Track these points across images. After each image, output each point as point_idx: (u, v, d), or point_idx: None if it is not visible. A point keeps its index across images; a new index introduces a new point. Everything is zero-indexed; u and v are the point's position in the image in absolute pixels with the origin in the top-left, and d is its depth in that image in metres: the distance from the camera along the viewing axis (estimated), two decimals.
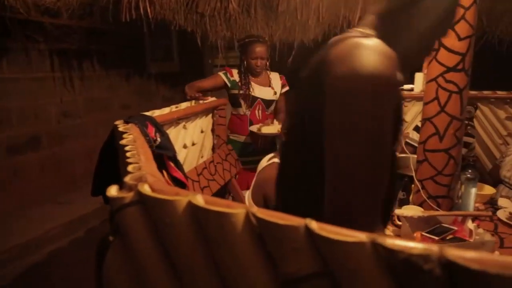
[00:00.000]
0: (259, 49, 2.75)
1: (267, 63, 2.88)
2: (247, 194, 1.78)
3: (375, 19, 0.81)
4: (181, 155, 2.20)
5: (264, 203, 1.66)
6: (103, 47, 4.25)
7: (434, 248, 0.43)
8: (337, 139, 0.66)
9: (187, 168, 2.21)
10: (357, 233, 0.48)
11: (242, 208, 0.56)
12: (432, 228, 1.70)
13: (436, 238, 1.62)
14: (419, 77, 2.28)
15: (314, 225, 0.51)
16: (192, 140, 2.31)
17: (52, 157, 3.80)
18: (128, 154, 0.98)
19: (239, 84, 2.78)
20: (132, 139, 1.19)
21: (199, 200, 0.58)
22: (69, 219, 3.34)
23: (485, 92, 3.11)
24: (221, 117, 2.59)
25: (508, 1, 3.27)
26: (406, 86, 2.44)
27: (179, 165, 1.80)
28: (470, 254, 0.43)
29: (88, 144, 4.06)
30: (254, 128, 2.71)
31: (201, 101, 2.44)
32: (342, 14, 3.44)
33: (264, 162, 1.79)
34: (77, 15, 3.52)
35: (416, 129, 2.77)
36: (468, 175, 1.87)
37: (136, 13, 2.71)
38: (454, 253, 0.42)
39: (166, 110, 2.03)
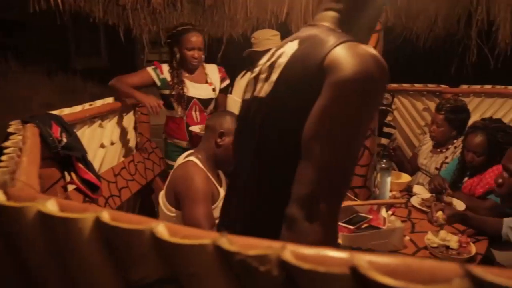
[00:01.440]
0: (196, 38, 2.38)
1: (203, 56, 2.52)
2: (161, 193, 1.72)
3: (338, 15, 0.87)
4: (98, 155, 2.09)
5: (176, 201, 1.61)
6: (20, 41, 3.95)
7: (271, 249, 0.41)
8: (336, 134, 0.72)
9: (106, 168, 2.10)
10: (200, 235, 0.45)
11: (91, 212, 0.52)
12: (349, 218, 1.75)
13: (352, 227, 1.66)
14: None
15: (159, 228, 0.47)
16: (111, 139, 2.21)
17: None
18: (3, 158, 0.89)
19: (171, 83, 2.40)
20: (20, 141, 1.09)
21: (50, 207, 0.53)
22: None
23: (404, 85, 3.27)
24: (144, 114, 2.48)
25: (424, 0, 3.46)
26: None
27: (89, 166, 1.70)
28: (306, 252, 0.42)
29: None
30: (196, 128, 2.39)
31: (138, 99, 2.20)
32: (269, 8, 3.45)
33: (181, 159, 1.73)
34: None
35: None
36: (383, 165, 1.95)
37: (47, 4, 2.51)
38: (290, 253, 0.40)
39: (78, 108, 1.90)
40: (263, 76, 0.90)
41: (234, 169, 1.02)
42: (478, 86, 3.01)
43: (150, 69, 2.41)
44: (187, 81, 2.43)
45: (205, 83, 2.51)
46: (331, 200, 0.74)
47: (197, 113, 2.47)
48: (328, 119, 0.71)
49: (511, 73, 3.15)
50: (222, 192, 1.72)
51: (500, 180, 1.32)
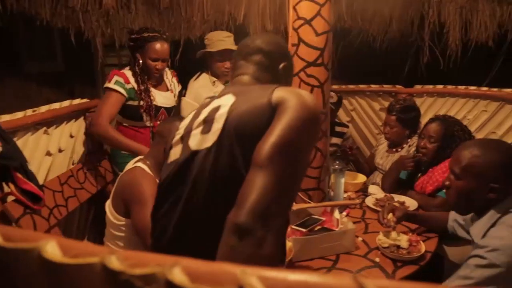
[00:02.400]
0: (162, 48, 2.19)
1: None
2: (108, 202, 1.65)
3: (257, 70, 1.13)
4: (44, 164, 1.99)
5: (124, 209, 1.55)
6: None
7: (158, 268, 0.38)
8: (287, 155, 0.85)
9: (53, 177, 2.01)
10: (89, 254, 0.41)
11: None
12: (303, 221, 1.74)
13: (304, 230, 1.65)
14: None
15: (48, 247, 0.43)
16: (59, 146, 2.11)
17: None
18: None
19: (138, 92, 2.20)
20: None
21: None
22: None
23: (361, 86, 3.32)
24: None
25: (378, 2, 3.53)
26: None
27: (30, 176, 1.61)
28: (201, 268, 0.39)
29: None
30: None
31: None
32: (227, 10, 3.43)
33: (130, 165, 1.67)
34: None
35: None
36: (337, 166, 1.95)
37: None
38: (180, 271, 0.37)
39: (18, 115, 1.81)
40: (197, 131, 1.01)
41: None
42: (431, 86, 3.09)
43: (115, 86, 2.16)
44: (153, 90, 2.29)
45: (168, 91, 2.41)
46: (283, 212, 0.90)
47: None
48: (281, 139, 0.85)
49: (462, 73, 3.26)
50: None
51: (447, 183, 1.34)
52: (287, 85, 1.09)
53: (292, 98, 0.90)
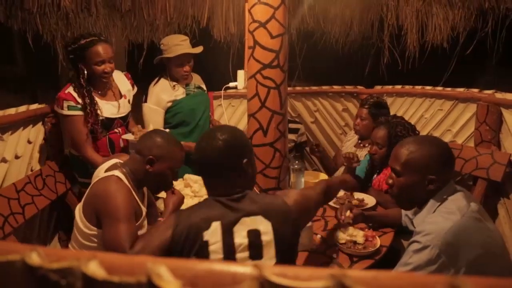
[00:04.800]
0: (104, 49, 2.09)
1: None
2: (78, 207, 1.59)
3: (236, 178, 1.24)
4: (0, 171, 1.94)
5: (96, 219, 1.50)
6: None
7: (75, 262, 0.39)
8: None
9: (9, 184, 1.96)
10: (12, 252, 0.42)
11: None
12: None
13: None
14: (241, 74, 2.35)
15: None
16: (15, 152, 2.06)
17: None
18: None
19: (83, 107, 2.09)
20: None
21: None
22: None
23: (324, 87, 3.40)
24: (54, 125, 2.33)
25: (339, 5, 3.63)
26: (231, 84, 2.52)
27: None
28: (118, 261, 0.40)
29: None
30: (129, 136, 2.17)
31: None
32: (190, 13, 3.43)
33: (101, 172, 1.59)
34: None
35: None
36: (296, 166, 1.99)
37: None
38: (93, 266, 0.39)
39: None
40: (242, 255, 1.14)
41: None
42: (390, 87, 3.20)
43: (70, 112, 2.08)
44: (99, 101, 2.17)
45: (120, 98, 2.30)
46: None
47: (119, 128, 2.30)
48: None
49: (419, 74, 3.38)
50: (144, 209, 1.64)
51: (390, 181, 1.40)
52: (254, 170, 1.29)
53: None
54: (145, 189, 1.70)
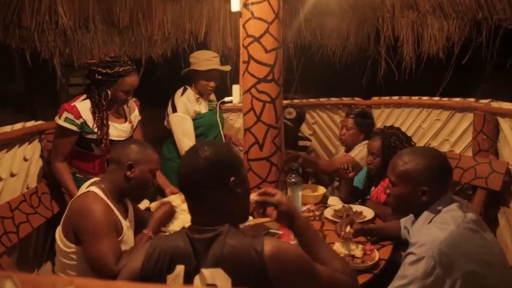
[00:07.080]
0: (135, 80, 2.08)
1: None
2: (58, 228, 1.59)
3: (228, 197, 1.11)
4: None
5: (75, 236, 1.50)
6: None
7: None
8: None
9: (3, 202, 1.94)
10: None
11: None
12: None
13: None
14: (236, 89, 2.36)
15: None
16: (11, 170, 2.05)
17: None
18: None
19: (94, 126, 2.06)
20: None
21: None
22: None
23: (322, 99, 3.41)
24: (50, 142, 2.33)
25: (336, 18, 3.66)
26: (226, 99, 2.54)
27: None
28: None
29: None
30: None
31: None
32: (188, 29, 3.46)
33: (83, 189, 1.61)
34: None
35: None
36: (293, 180, 1.98)
37: None
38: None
39: None
40: None
41: None
42: (387, 98, 3.21)
43: (65, 124, 2.01)
44: (110, 123, 2.14)
45: (125, 122, 2.26)
46: None
47: None
48: None
49: (416, 84, 3.40)
50: (126, 223, 1.63)
51: (388, 191, 1.41)
52: (245, 188, 1.16)
53: None
54: (128, 203, 1.72)
